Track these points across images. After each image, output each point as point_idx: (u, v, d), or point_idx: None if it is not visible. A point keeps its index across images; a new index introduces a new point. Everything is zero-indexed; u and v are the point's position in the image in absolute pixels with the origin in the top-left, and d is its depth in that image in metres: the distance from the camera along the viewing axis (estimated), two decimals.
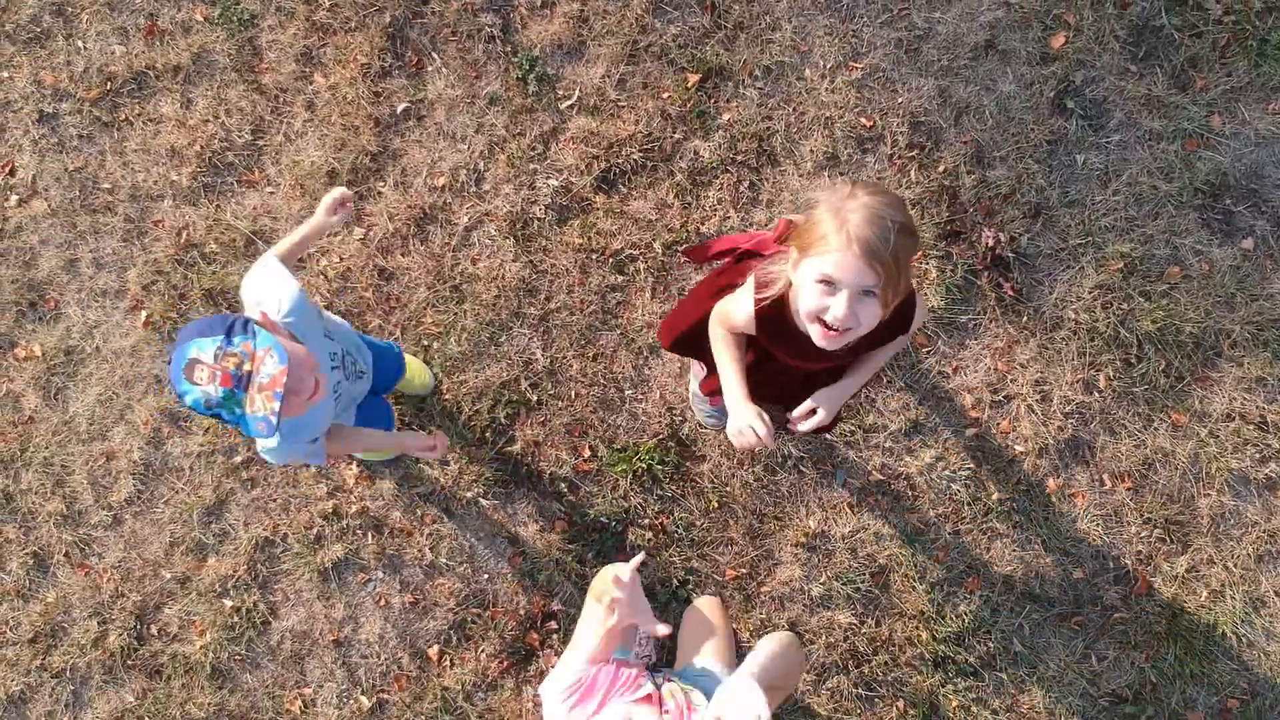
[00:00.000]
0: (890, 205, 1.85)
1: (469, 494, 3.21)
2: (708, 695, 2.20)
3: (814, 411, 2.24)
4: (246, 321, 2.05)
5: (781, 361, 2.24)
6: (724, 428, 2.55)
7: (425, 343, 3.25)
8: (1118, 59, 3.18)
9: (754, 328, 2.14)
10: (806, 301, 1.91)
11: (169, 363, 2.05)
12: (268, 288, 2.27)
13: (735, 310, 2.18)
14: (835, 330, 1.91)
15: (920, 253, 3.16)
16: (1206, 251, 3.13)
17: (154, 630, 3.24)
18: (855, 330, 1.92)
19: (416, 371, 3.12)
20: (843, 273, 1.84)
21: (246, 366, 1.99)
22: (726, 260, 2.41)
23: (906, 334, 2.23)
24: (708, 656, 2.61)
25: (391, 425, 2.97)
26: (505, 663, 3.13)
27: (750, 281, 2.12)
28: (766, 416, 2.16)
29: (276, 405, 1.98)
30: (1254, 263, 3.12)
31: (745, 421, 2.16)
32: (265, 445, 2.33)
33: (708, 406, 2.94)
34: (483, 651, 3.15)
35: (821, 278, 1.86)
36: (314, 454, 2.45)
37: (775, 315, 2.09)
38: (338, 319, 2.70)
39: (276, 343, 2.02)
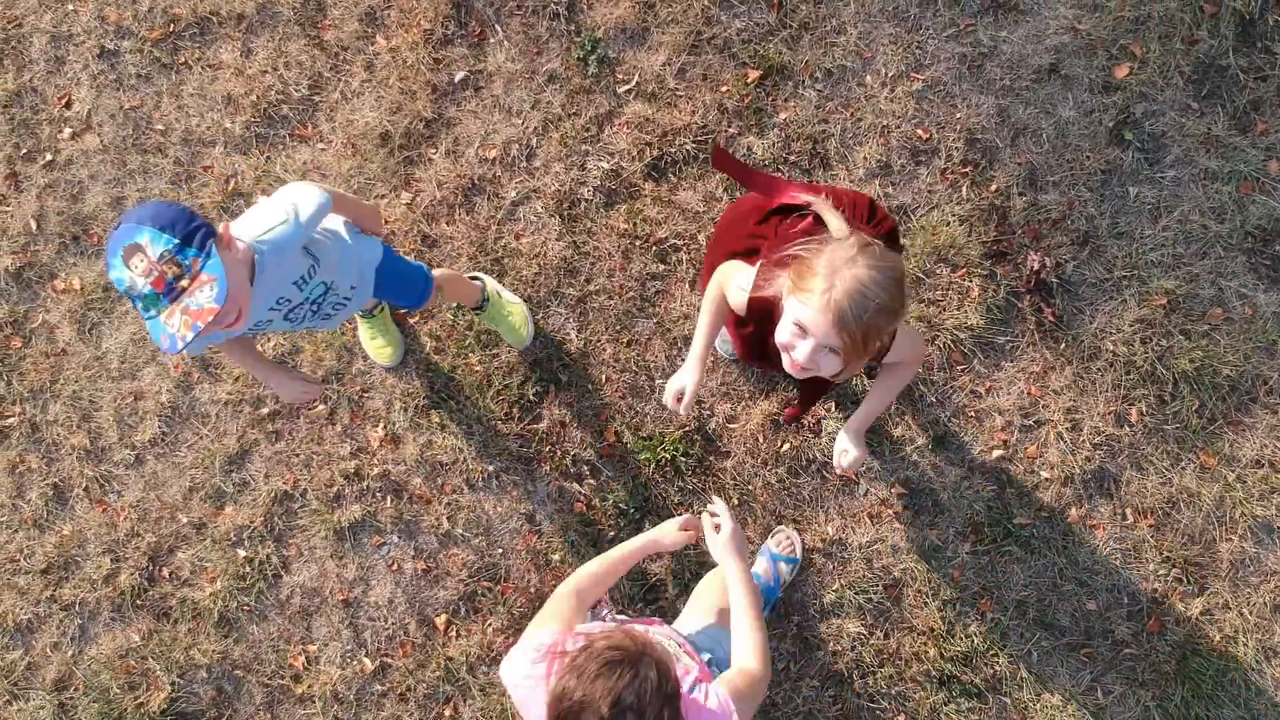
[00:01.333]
0: (881, 284, 1.92)
1: (491, 467, 3.22)
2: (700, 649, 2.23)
3: (845, 452, 2.46)
4: (208, 236, 1.96)
5: None
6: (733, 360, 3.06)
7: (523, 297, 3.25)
8: (1180, 95, 3.17)
9: (743, 310, 2.25)
10: (780, 333, 2.05)
11: (116, 228, 1.96)
12: (280, 211, 2.19)
13: (733, 286, 2.29)
14: (796, 364, 2.05)
15: (963, 270, 3.15)
16: (1251, 296, 3.12)
17: (165, 573, 3.26)
18: (814, 371, 2.05)
19: (518, 320, 3.15)
20: (813, 328, 1.96)
21: (184, 282, 1.91)
22: (760, 204, 2.44)
23: (913, 365, 2.38)
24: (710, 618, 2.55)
25: (421, 298, 2.82)
26: (511, 639, 3.13)
27: (754, 271, 2.20)
28: (694, 388, 2.38)
29: (189, 336, 1.91)
30: None
31: (681, 382, 2.41)
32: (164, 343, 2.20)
33: (729, 346, 3.12)
34: (490, 625, 3.16)
35: (795, 321, 2.00)
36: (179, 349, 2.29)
37: (765, 309, 2.16)
38: (367, 261, 2.57)
39: (223, 276, 1.93)
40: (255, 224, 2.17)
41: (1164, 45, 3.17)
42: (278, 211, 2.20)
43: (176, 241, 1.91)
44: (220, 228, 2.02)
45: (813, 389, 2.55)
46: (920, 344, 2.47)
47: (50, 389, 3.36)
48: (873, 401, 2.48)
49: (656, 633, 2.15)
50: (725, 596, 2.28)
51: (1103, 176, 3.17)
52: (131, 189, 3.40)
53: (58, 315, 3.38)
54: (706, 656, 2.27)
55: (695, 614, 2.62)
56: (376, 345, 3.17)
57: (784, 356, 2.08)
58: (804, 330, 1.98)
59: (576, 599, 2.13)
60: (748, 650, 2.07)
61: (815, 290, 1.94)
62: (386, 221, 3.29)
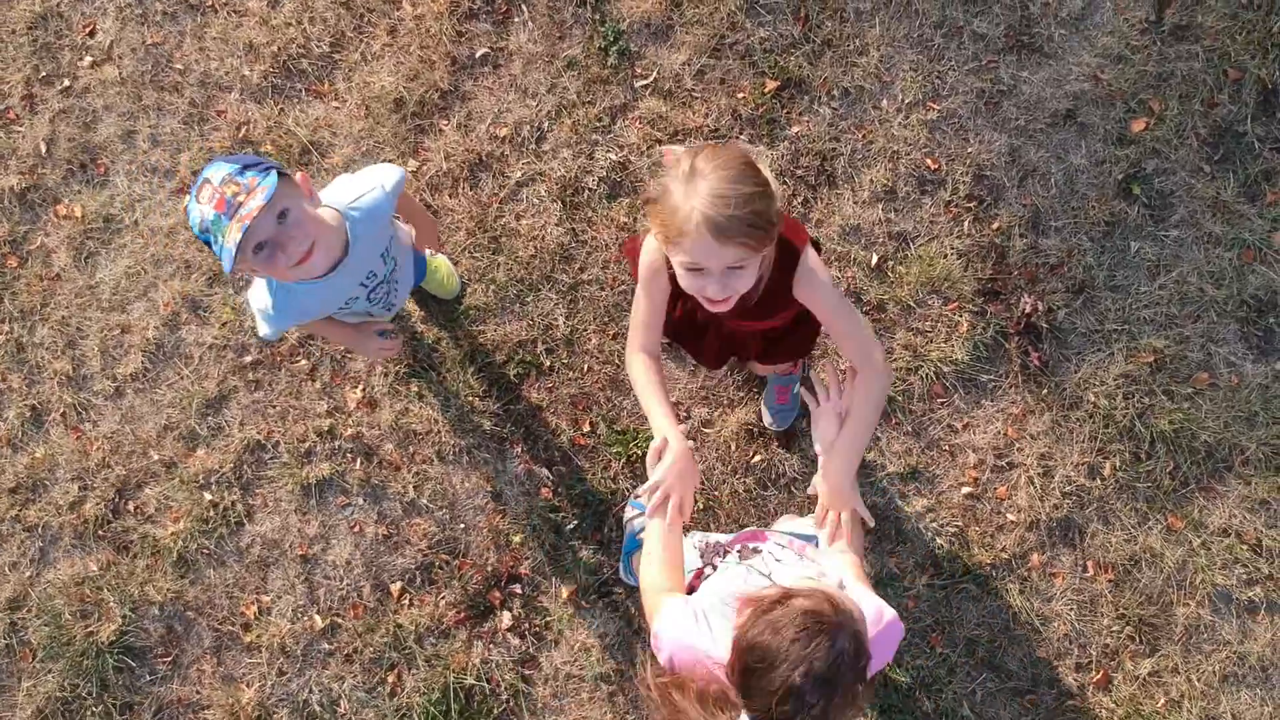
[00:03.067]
0: (733, 177, 1.84)
1: (463, 442, 3.23)
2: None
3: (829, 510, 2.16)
4: (271, 166, 2.02)
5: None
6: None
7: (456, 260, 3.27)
8: (1193, 156, 3.16)
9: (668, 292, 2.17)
10: (684, 283, 1.97)
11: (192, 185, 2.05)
12: (370, 179, 2.29)
13: (656, 276, 2.17)
14: (717, 300, 1.96)
15: (955, 304, 3.15)
16: (1239, 365, 3.11)
17: (130, 507, 3.28)
18: (735, 294, 1.96)
19: (444, 273, 3.15)
20: (705, 258, 1.87)
21: (240, 198, 1.96)
22: None
23: (884, 373, 2.16)
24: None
25: (421, 273, 2.94)
26: (462, 614, 3.15)
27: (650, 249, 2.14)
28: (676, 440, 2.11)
29: (238, 237, 1.94)
30: None
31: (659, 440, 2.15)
32: (260, 305, 2.30)
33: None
34: (443, 598, 3.17)
35: (687, 266, 1.91)
36: (271, 332, 2.39)
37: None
38: (404, 242, 2.63)
39: (274, 184, 1.97)
40: (346, 192, 2.26)
41: (1183, 105, 3.16)
42: (367, 181, 2.30)
43: (238, 166, 1.99)
44: (298, 175, 2.10)
45: (768, 343, 2.41)
46: (865, 327, 2.26)
47: (40, 312, 3.38)
48: (852, 437, 2.16)
49: (767, 547, 2.10)
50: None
51: (1106, 228, 3.17)
52: (144, 124, 3.42)
53: (56, 240, 3.40)
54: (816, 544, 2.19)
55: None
56: (438, 282, 3.17)
57: (701, 301, 1.99)
58: (698, 267, 1.90)
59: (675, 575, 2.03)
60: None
61: (681, 223, 1.85)
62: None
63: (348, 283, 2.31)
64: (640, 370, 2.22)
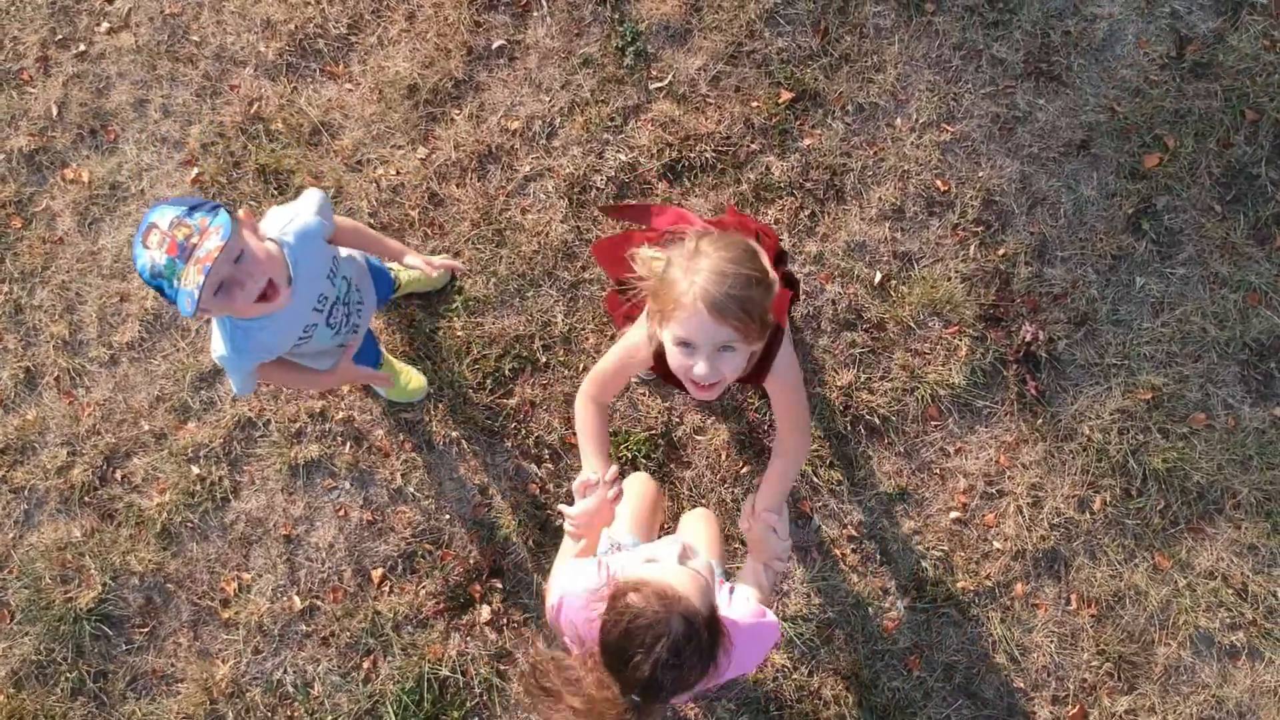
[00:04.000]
0: (735, 259, 1.92)
1: (454, 433, 3.22)
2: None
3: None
4: (217, 206, 2.05)
5: None
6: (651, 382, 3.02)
7: (456, 284, 3.26)
8: (1205, 195, 3.14)
9: (650, 363, 2.23)
10: (672, 361, 2.00)
11: (137, 228, 2.05)
12: (294, 207, 2.32)
13: (637, 350, 2.23)
14: (703, 385, 1.99)
15: (955, 328, 3.13)
16: (1237, 408, 3.09)
17: (118, 475, 3.27)
18: (724, 381, 2.01)
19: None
20: (697, 334, 1.92)
21: (194, 240, 1.97)
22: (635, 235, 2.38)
23: (808, 445, 2.30)
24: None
25: (376, 362, 2.98)
26: (441, 605, 3.14)
27: (638, 334, 2.22)
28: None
29: (201, 279, 1.94)
30: None
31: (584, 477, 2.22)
32: (218, 352, 2.30)
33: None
34: (423, 588, 3.16)
35: (678, 340, 1.95)
36: (243, 382, 2.39)
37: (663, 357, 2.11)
38: (358, 259, 2.65)
39: (229, 224, 1.99)
40: (274, 221, 2.28)
41: (1198, 143, 3.14)
42: (292, 209, 2.33)
43: (185, 208, 2.01)
44: (241, 211, 2.13)
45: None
46: (806, 406, 2.33)
47: (41, 274, 3.38)
48: (772, 487, 2.28)
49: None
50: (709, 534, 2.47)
51: (1112, 261, 3.15)
52: (157, 93, 3.41)
53: (62, 204, 3.40)
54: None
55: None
56: (401, 386, 3.16)
57: (686, 384, 2.04)
58: (690, 344, 1.94)
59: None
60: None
61: (680, 296, 1.90)
62: (398, 172, 3.30)
63: (300, 309, 2.31)
64: (585, 416, 2.29)
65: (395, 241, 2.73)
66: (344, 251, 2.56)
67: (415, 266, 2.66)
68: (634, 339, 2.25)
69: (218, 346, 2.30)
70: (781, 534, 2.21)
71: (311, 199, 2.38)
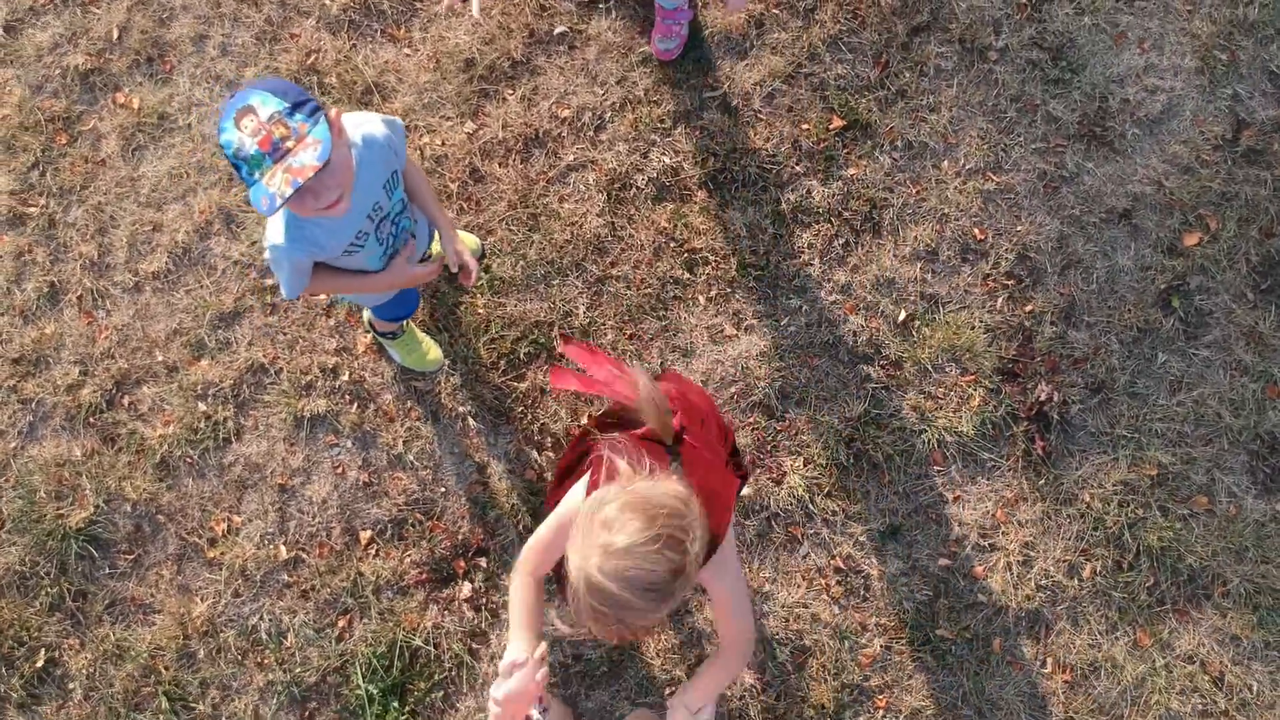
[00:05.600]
0: (643, 556, 1.64)
1: (461, 408, 3.24)
2: None
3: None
4: (318, 108, 2.03)
5: None
6: None
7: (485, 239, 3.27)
8: (1240, 281, 3.13)
9: None
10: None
11: (230, 96, 2.03)
12: (365, 115, 2.32)
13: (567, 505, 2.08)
14: None
15: (972, 377, 3.13)
16: (1241, 497, 3.08)
17: (125, 401, 3.30)
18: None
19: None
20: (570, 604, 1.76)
21: (289, 144, 1.96)
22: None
23: (749, 653, 2.15)
24: None
25: (413, 300, 2.94)
26: (424, 575, 3.16)
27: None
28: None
29: (288, 192, 1.95)
30: None
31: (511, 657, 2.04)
32: (272, 239, 2.29)
33: None
34: (408, 556, 3.18)
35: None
36: (293, 279, 2.37)
37: None
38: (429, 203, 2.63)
39: (329, 141, 1.99)
40: (348, 122, 2.27)
41: (1240, 228, 3.14)
42: (363, 114, 2.33)
43: (287, 105, 1.98)
44: (331, 111, 2.09)
45: None
46: (747, 616, 2.16)
47: (78, 193, 3.40)
48: (705, 681, 2.16)
49: None
50: None
51: (1137, 333, 3.15)
52: (218, 31, 3.44)
53: (109, 126, 3.43)
54: None
55: None
56: (420, 354, 3.19)
57: None
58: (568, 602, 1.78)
59: None
60: None
61: (568, 575, 1.70)
62: (444, 143, 3.31)
63: (355, 215, 2.30)
64: (519, 590, 2.13)
65: (444, 212, 2.67)
66: (357, 126, 2.49)
67: (446, 247, 2.61)
68: (568, 508, 2.07)
69: (274, 235, 2.28)
70: None
71: (388, 118, 2.37)
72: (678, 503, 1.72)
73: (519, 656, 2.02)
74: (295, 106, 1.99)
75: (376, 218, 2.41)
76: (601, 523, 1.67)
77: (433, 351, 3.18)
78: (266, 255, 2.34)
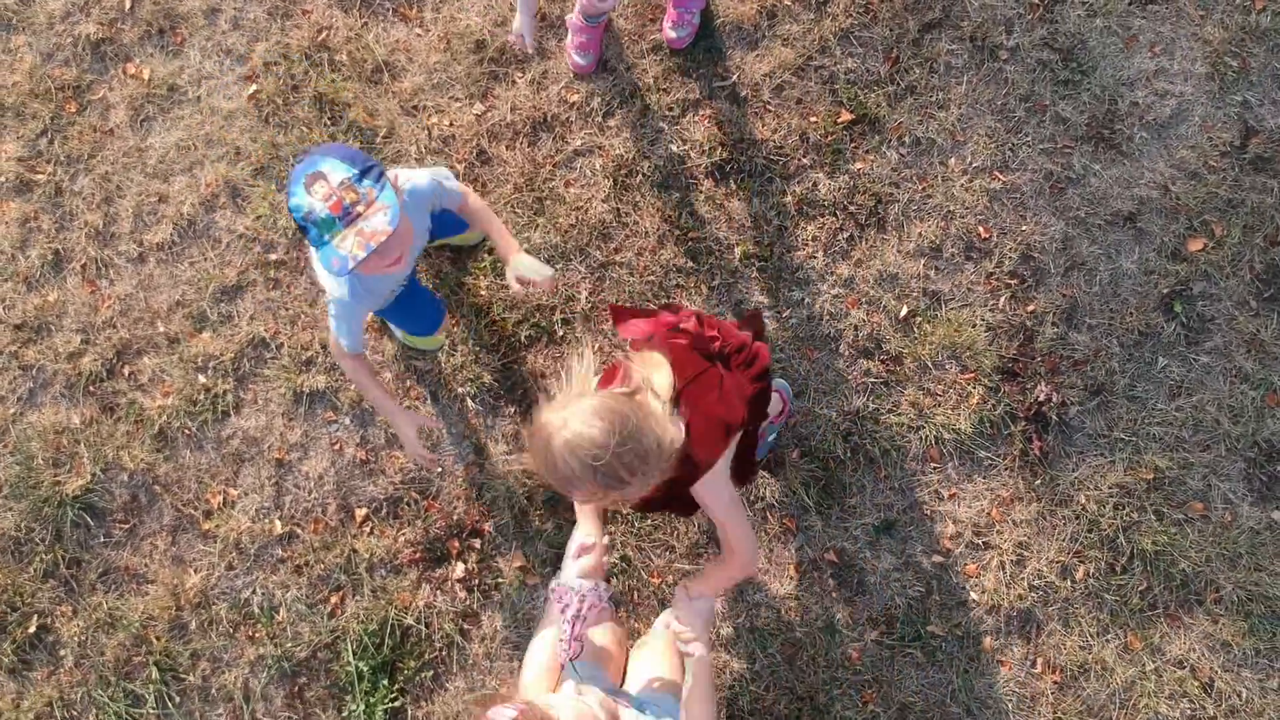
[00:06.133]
0: (592, 439, 1.89)
1: (461, 389, 3.24)
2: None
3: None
4: (383, 173, 2.14)
5: None
6: None
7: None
8: (1243, 288, 3.13)
9: None
10: None
11: (299, 161, 2.14)
12: (411, 170, 2.45)
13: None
14: None
15: (971, 375, 3.13)
16: (1236, 504, 3.08)
17: (126, 371, 3.31)
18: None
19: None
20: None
21: (359, 208, 2.08)
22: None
23: (742, 565, 2.34)
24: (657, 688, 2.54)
25: (439, 319, 3.03)
26: (418, 554, 3.16)
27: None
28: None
29: (361, 255, 2.07)
30: (1275, 535, 3.06)
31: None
32: (337, 294, 2.40)
33: None
34: (403, 535, 3.18)
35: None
36: (354, 332, 2.51)
37: None
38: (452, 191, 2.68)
39: (396, 206, 2.10)
40: (400, 175, 2.39)
41: (1245, 235, 3.13)
42: (418, 171, 2.46)
43: (356, 172, 2.10)
44: (391, 174, 2.21)
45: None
46: (745, 542, 2.33)
47: (85, 162, 3.41)
48: (708, 576, 2.43)
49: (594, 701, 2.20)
50: (670, 668, 2.39)
51: (1138, 337, 3.14)
52: (230, 4, 3.44)
53: (118, 96, 3.43)
54: None
55: (636, 679, 2.59)
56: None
57: None
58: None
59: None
60: None
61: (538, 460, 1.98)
62: (452, 124, 3.32)
63: (407, 263, 2.43)
64: None
65: (511, 237, 2.69)
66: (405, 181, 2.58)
67: (509, 273, 2.63)
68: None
69: (337, 289, 2.39)
70: (693, 618, 2.25)
71: (433, 169, 2.49)
72: (636, 416, 1.95)
73: (587, 539, 2.27)
74: (364, 173, 2.10)
75: (412, 266, 2.59)
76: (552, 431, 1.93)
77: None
78: (331, 310, 2.44)
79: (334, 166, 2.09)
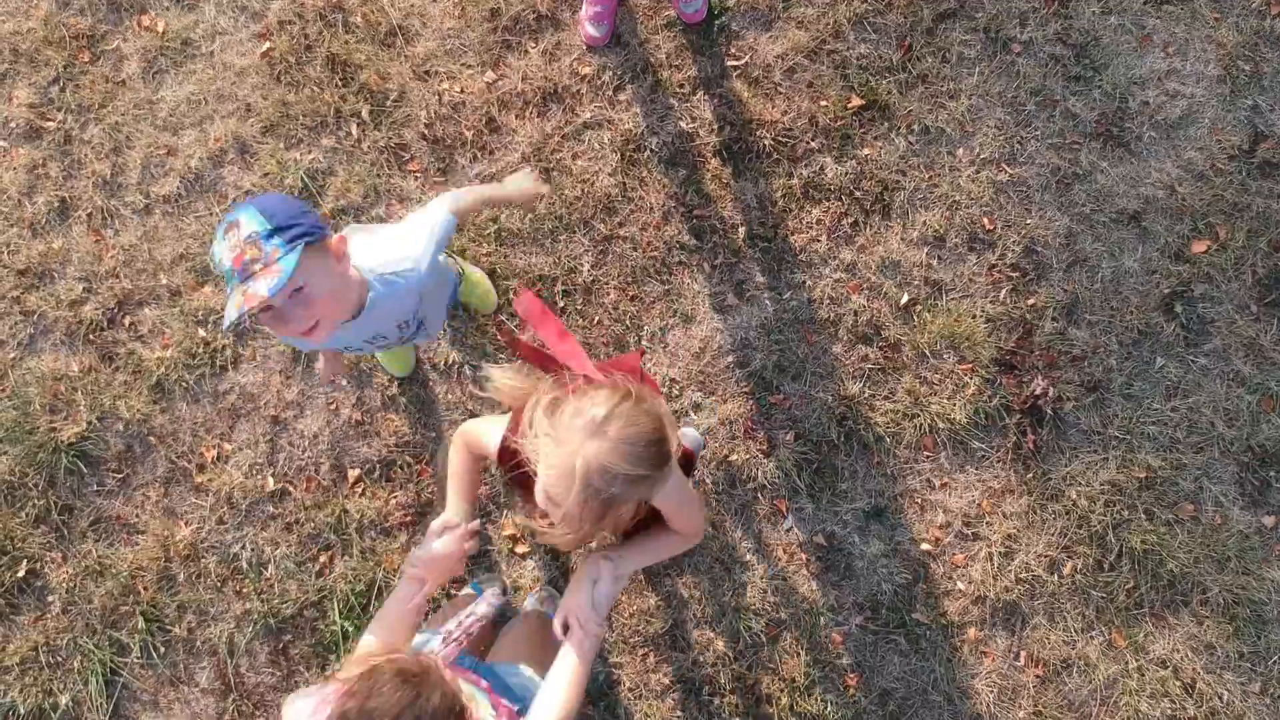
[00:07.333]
0: (628, 454, 1.67)
1: (457, 357, 3.25)
2: (514, 696, 2.05)
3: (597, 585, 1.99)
4: (302, 237, 1.94)
5: None
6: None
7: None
8: (1244, 292, 3.13)
9: (498, 458, 2.03)
10: (538, 495, 1.81)
11: (230, 207, 2.00)
12: (410, 249, 2.22)
13: (485, 435, 2.08)
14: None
15: (969, 366, 3.13)
16: (1227, 507, 3.08)
17: (126, 321, 3.31)
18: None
19: (483, 289, 3.16)
20: (555, 504, 1.75)
21: (256, 266, 1.90)
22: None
23: (687, 537, 2.08)
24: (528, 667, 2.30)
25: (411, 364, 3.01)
26: (409, 517, 3.17)
27: (508, 418, 2.04)
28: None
29: (234, 316, 1.89)
30: (1264, 540, 3.07)
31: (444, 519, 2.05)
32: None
33: None
34: (394, 498, 3.19)
35: (545, 499, 1.77)
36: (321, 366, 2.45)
37: (515, 458, 1.88)
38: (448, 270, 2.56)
39: (289, 273, 1.90)
40: (379, 255, 2.18)
41: (1250, 239, 3.13)
42: (406, 250, 2.21)
43: (268, 228, 1.91)
44: (334, 237, 2.03)
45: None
46: (698, 517, 2.13)
47: (96, 112, 3.42)
48: (637, 552, 2.09)
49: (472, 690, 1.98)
50: (545, 649, 2.11)
51: (1138, 336, 3.15)
52: None
53: (132, 48, 3.44)
54: (516, 707, 2.05)
55: (510, 655, 2.40)
56: (391, 359, 3.21)
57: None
58: (553, 501, 1.75)
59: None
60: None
61: (556, 458, 1.70)
62: (463, 91, 3.32)
63: (364, 330, 2.26)
64: (459, 461, 2.14)
65: (503, 191, 2.61)
66: (442, 290, 2.43)
67: (518, 183, 2.56)
68: (481, 428, 2.10)
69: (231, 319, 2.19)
70: (599, 596, 1.95)
71: (430, 248, 2.26)
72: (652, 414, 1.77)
73: (452, 519, 1.99)
74: (276, 230, 1.91)
75: (377, 342, 2.39)
76: (575, 411, 1.73)
77: (491, 294, 3.21)
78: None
79: (250, 217, 1.91)
